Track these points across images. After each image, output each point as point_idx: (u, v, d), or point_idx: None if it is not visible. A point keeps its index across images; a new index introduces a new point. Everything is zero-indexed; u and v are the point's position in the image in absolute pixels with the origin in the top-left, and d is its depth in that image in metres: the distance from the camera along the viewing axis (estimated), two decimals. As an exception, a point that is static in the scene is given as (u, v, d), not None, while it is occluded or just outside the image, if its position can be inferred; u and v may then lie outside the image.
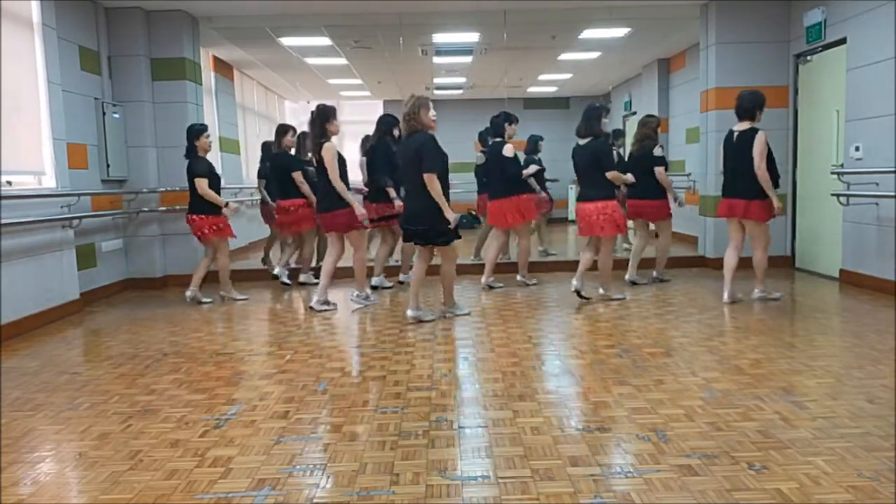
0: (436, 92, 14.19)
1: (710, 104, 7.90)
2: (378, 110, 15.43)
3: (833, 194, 6.51)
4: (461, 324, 5.35)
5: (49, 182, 5.93)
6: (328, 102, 6.19)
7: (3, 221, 5.03)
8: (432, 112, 5.13)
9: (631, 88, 13.20)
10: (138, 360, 4.52)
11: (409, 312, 5.35)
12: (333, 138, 5.75)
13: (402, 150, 5.33)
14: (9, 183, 5.40)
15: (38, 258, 5.63)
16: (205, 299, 6.49)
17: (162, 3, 7.39)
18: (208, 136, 6.31)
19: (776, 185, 5.56)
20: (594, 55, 10.91)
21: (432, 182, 5.00)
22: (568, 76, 12.73)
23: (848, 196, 6.38)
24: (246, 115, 12.04)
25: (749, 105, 5.55)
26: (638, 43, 10.00)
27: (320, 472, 2.72)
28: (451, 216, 5.07)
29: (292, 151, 7.10)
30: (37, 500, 2.56)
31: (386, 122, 6.79)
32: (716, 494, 2.44)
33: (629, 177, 6.19)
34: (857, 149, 6.45)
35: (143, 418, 3.38)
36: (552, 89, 13.98)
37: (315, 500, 2.50)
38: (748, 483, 2.52)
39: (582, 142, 5.92)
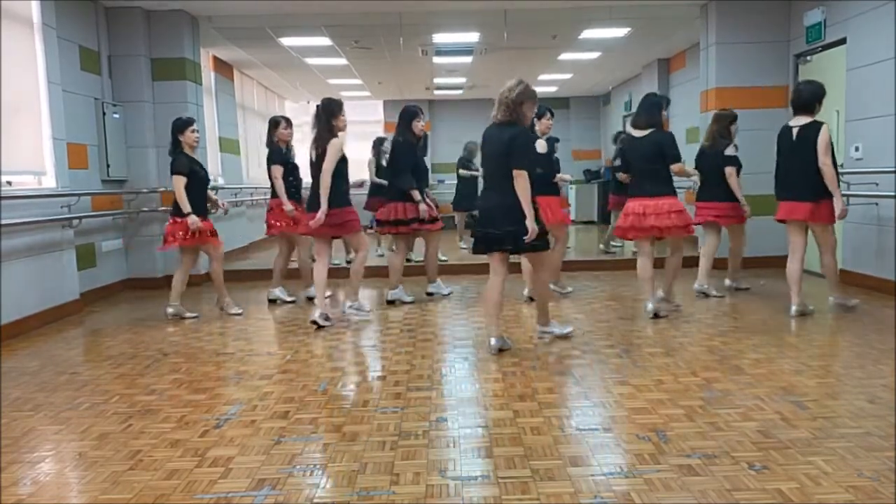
0: (436, 92, 14.19)
1: (710, 104, 7.89)
2: (378, 110, 15.47)
3: (833, 194, 6.50)
4: (461, 324, 5.35)
5: (49, 182, 5.93)
6: (334, 97, 5.58)
7: (3, 221, 5.03)
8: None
9: (631, 88, 13.18)
10: (138, 360, 4.52)
11: (494, 341, 4.47)
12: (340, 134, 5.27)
13: (486, 139, 4.55)
14: (9, 183, 5.41)
15: (38, 258, 5.63)
16: (188, 314, 5.81)
17: (162, 2, 7.40)
18: (195, 129, 5.66)
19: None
20: (594, 55, 10.91)
21: (521, 179, 4.26)
22: (568, 76, 12.73)
23: (848, 196, 6.37)
24: (246, 115, 12.03)
25: (809, 97, 5.09)
26: (638, 43, 10.00)
27: (320, 472, 2.72)
28: (533, 225, 4.25)
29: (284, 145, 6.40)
30: (37, 500, 2.56)
31: (406, 115, 6.14)
32: (716, 494, 2.44)
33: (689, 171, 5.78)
34: (857, 149, 6.46)
35: (143, 418, 3.38)
36: (552, 89, 13.97)
37: (315, 500, 2.50)
38: (748, 483, 2.52)
39: (638, 133, 5.34)
